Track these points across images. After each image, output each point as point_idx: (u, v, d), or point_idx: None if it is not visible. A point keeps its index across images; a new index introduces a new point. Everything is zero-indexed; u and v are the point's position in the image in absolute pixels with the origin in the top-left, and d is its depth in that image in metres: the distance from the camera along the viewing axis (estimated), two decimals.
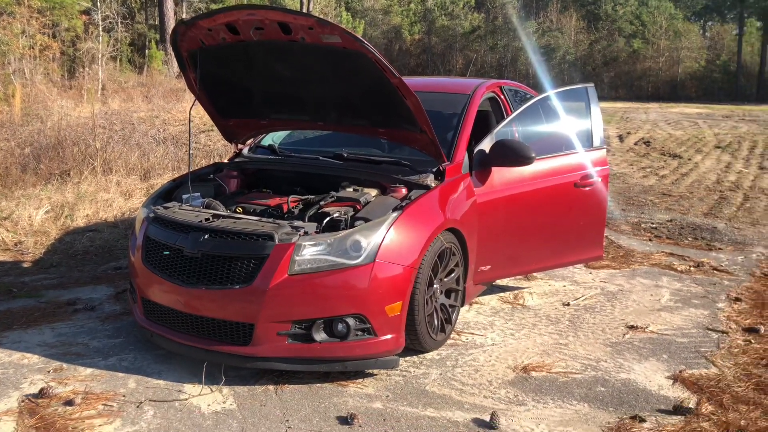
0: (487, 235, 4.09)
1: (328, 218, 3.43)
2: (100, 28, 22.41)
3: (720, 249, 6.20)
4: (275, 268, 3.18)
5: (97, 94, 16.78)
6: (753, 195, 9.05)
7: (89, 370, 3.43)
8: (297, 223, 3.35)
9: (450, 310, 3.82)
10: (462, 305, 3.99)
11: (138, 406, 3.09)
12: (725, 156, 12.77)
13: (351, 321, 3.24)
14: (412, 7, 41.94)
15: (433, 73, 36.91)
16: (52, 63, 16.40)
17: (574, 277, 5.22)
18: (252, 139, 4.69)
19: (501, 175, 4.20)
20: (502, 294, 4.74)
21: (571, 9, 40.19)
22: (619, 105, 26.19)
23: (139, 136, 10.07)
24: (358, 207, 3.59)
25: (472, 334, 4.02)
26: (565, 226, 4.51)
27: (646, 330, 4.14)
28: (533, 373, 3.51)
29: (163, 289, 3.45)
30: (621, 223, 7.16)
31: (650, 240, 6.51)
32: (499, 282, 4.85)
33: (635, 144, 14.21)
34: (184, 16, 28.74)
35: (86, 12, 22.90)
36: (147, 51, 26.59)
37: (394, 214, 3.40)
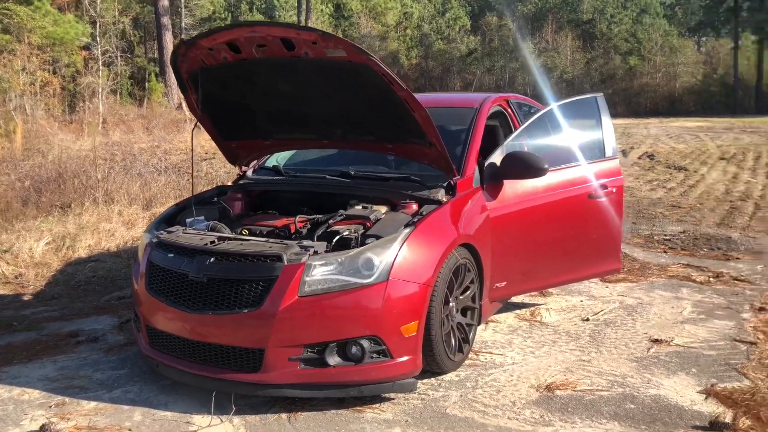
0: (501, 251, 3.95)
1: (338, 236, 3.30)
2: (100, 63, 22.56)
3: (738, 258, 6.04)
4: (285, 290, 3.04)
5: (98, 127, 16.80)
6: (764, 204, 8.92)
7: (93, 404, 3.27)
8: (306, 242, 3.22)
9: (467, 328, 3.67)
10: (479, 324, 3.84)
11: None
12: (731, 167, 12.66)
13: (365, 343, 3.09)
14: (408, 32, 42.35)
15: None
16: (52, 98, 16.44)
17: (590, 291, 5.07)
18: (256, 161, 4.59)
19: (513, 188, 4.08)
20: (518, 311, 4.59)
21: (566, 29, 40.51)
22: (619, 121, 26.16)
23: (141, 165, 10.01)
24: (368, 224, 3.46)
25: (491, 353, 3.86)
26: (581, 238, 4.38)
27: (671, 343, 3.98)
28: (558, 392, 3.34)
29: (168, 316, 3.31)
30: (633, 236, 7.02)
31: (665, 252, 6.36)
32: (514, 299, 4.70)
33: (639, 158, 14.13)
34: None
35: (86, 47, 23.08)
36: (147, 84, 26.76)
37: (407, 231, 3.27)
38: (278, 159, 4.71)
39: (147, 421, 3.09)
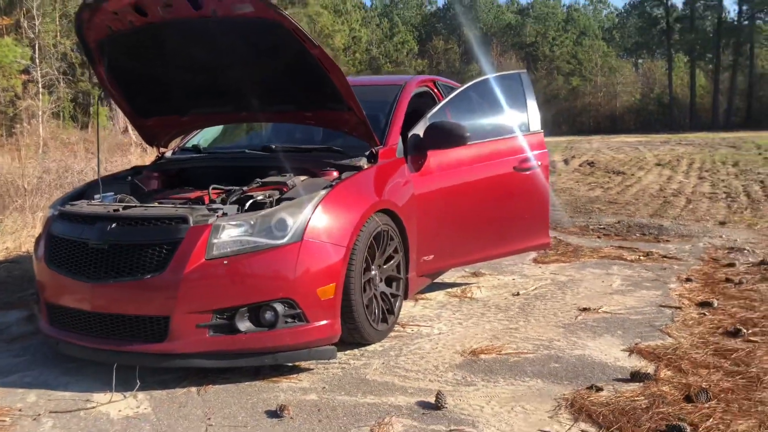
0: (427, 223, 3.87)
1: (251, 200, 3.15)
2: (40, 85, 21.87)
3: (668, 241, 6.13)
4: (190, 253, 2.86)
5: (39, 150, 16.17)
6: (695, 198, 9.16)
7: None
8: (215, 205, 3.07)
9: (392, 299, 3.55)
10: (406, 297, 3.73)
11: (35, 419, 2.69)
12: (666, 171, 13.03)
13: (279, 307, 2.93)
14: (357, 56, 42.71)
15: None
16: None
17: (523, 271, 5.03)
18: (177, 142, 4.42)
19: (438, 160, 4.02)
20: (449, 289, 4.50)
21: (510, 51, 41.60)
22: (563, 138, 26.82)
23: (74, 178, 9.61)
24: (284, 189, 3.33)
25: (418, 326, 3.75)
26: (508, 211, 4.34)
27: (599, 311, 3.95)
28: (482, 356, 3.25)
29: (68, 289, 3.09)
30: (569, 227, 7.07)
31: (599, 238, 6.41)
32: (446, 279, 4.62)
33: (580, 165, 14.41)
34: None
35: (25, 70, 22.36)
36: (91, 108, 26.09)
37: (323, 192, 3.15)
38: (201, 140, 4.55)
39: (41, 401, 2.85)
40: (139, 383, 2.91)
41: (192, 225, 2.91)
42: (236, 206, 3.10)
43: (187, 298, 2.86)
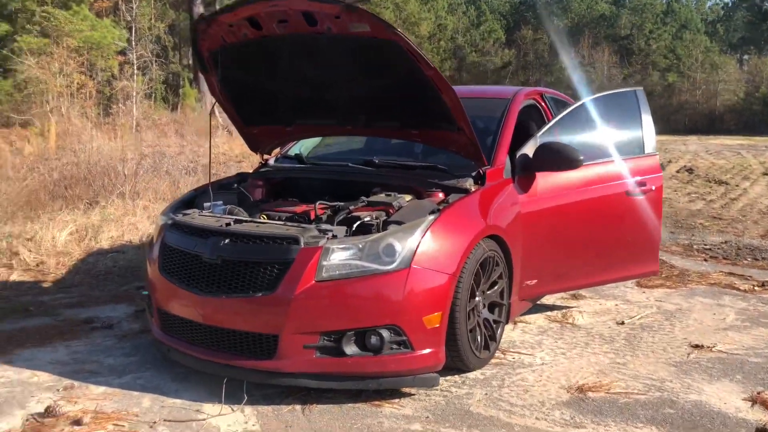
0: (532, 246, 3.75)
1: (358, 222, 3.14)
2: (135, 67, 22.83)
3: None
4: (301, 274, 2.88)
5: (132, 130, 16.97)
6: None
7: (102, 389, 3.15)
8: (325, 226, 3.08)
9: (494, 326, 3.47)
10: (507, 322, 3.63)
11: (151, 426, 2.79)
12: None
13: (385, 333, 2.91)
14: (442, 44, 42.26)
15: None
16: (88, 101, 16.70)
17: (626, 296, 4.81)
18: (279, 150, 4.47)
19: (546, 181, 3.88)
20: (549, 313, 4.36)
21: (603, 44, 40.02)
22: (657, 138, 25.57)
23: (169, 164, 10.00)
24: (390, 211, 3.30)
25: (519, 353, 3.65)
26: (617, 237, 4.14)
27: (713, 350, 3.71)
28: (590, 394, 3.12)
29: (180, 299, 3.19)
30: (671, 244, 6.72)
31: (705, 260, 6.05)
32: (544, 301, 4.48)
33: (677, 172, 13.69)
34: None
35: (122, 52, 23.42)
36: (181, 89, 27.06)
37: (431, 217, 3.09)
38: (302, 148, 4.60)
39: (155, 408, 2.96)
40: (246, 397, 2.97)
41: (303, 246, 2.92)
42: (344, 227, 3.09)
43: (296, 318, 2.88)
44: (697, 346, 3.75)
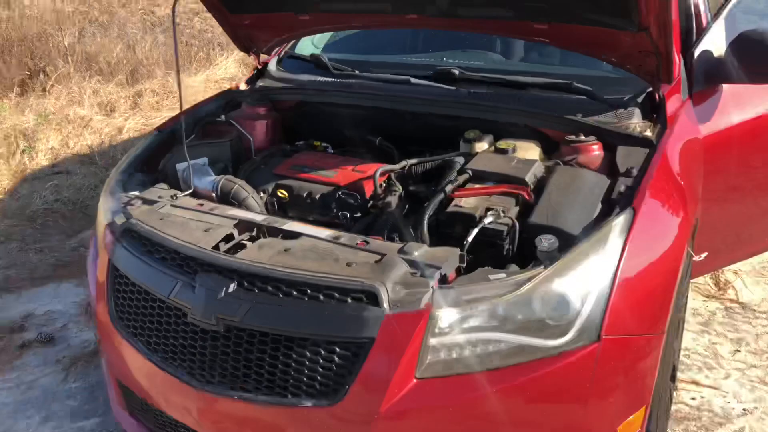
0: (710, 209, 2.30)
1: (475, 230, 1.64)
2: None
3: None
4: (389, 367, 1.44)
5: None
6: None
7: None
8: (419, 252, 1.56)
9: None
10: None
11: None
12: None
13: None
14: None
15: None
16: None
17: None
18: (280, 47, 2.79)
19: (738, 99, 2.34)
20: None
21: None
22: None
23: (120, 24, 7.94)
24: (525, 195, 1.78)
25: (698, 384, 2.35)
26: None
27: None
28: None
29: (154, 381, 1.75)
30: None
31: None
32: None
33: None
34: None
35: None
36: None
37: (621, 220, 1.59)
38: (315, 41, 2.90)
39: None
40: None
41: (389, 312, 1.44)
42: (457, 251, 1.57)
43: None
44: None
